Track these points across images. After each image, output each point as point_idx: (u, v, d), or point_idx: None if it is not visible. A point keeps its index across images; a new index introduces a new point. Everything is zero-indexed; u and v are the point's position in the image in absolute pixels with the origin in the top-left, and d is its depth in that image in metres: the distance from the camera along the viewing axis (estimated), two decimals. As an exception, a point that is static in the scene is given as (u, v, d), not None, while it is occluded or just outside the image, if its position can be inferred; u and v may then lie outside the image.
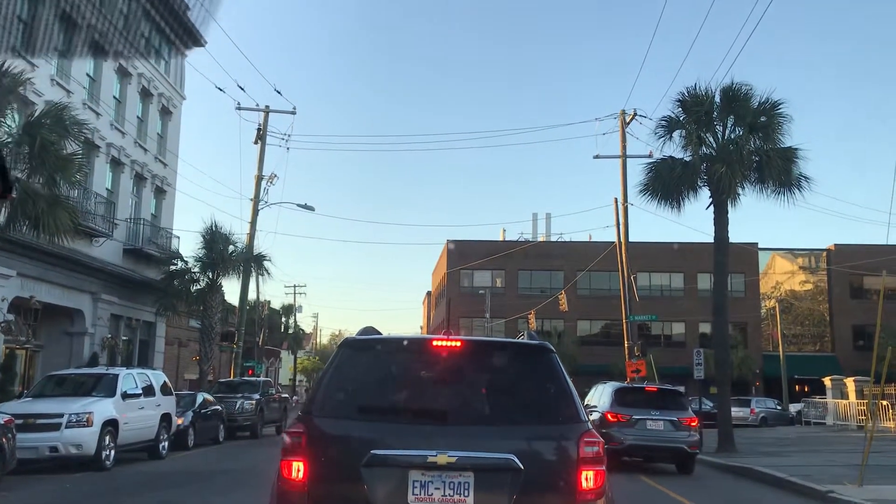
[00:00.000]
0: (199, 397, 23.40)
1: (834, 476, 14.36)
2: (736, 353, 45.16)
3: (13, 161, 17.00)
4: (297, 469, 4.87)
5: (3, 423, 12.64)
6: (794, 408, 45.78)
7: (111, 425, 15.90)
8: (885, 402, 31.76)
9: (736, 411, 31.51)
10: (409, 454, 4.76)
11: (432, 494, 4.73)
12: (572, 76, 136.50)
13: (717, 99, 22.70)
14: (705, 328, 52.34)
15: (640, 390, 19.26)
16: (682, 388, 19.94)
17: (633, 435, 16.86)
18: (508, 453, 4.75)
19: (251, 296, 41.21)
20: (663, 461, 18.03)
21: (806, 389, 50.23)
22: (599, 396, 18.68)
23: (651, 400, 17.85)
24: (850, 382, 36.95)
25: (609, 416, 17.10)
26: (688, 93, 22.88)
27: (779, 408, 45.28)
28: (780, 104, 22.41)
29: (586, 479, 4.84)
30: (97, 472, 15.02)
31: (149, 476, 15.06)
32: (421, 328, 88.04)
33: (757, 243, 57.42)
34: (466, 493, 4.73)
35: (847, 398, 36.53)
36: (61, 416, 14.99)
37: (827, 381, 39.98)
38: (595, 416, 17.11)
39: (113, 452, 15.92)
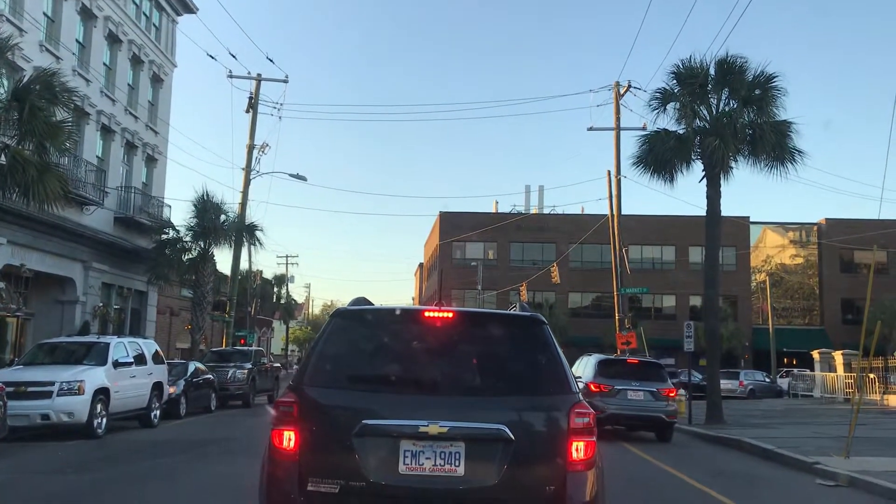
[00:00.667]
0: (191, 366, 23.43)
1: (820, 448, 14.52)
2: (726, 325, 45.43)
3: (2, 127, 16.85)
4: (289, 438, 4.88)
5: (-6, 390, 12.65)
6: (782, 381, 46.17)
7: (102, 393, 15.92)
8: (872, 376, 32.10)
9: (725, 383, 31.81)
10: (400, 424, 4.77)
11: (423, 464, 4.75)
12: (567, 47, 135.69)
13: (712, 71, 22.55)
14: (696, 301, 52.74)
15: (622, 362, 20.11)
16: (671, 361, 20.35)
17: (615, 404, 17.56)
18: (499, 424, 4.77)
19: (243, 265, 41.17)
20: (643, 429, 18.65)
21: (794, 362, 50.72)
22: (584, 368, 19.24)
23: (632, 371, 18.69)
24: (838, 356, 37.27)
25: (592, 387, 17.70)
26: (682, 65, 22.74)
27: (767, 380, 45.68)
28: (774, 77, 22.31)
29: (576, 449, 4.87)
30: (89, 440, 15.08)
31: (141, 444, 15.11)
32: (413, 300, 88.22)
33: (748, 217, 57.58)
34: (457, 463, 4.75)
35: (835, 371, 36.85)
36: (53, 384, 15.00)
37: (815, 354, 40.31)
38: (580, 386, 17.45)
39: (104, 420, 15.96)
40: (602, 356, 20.49)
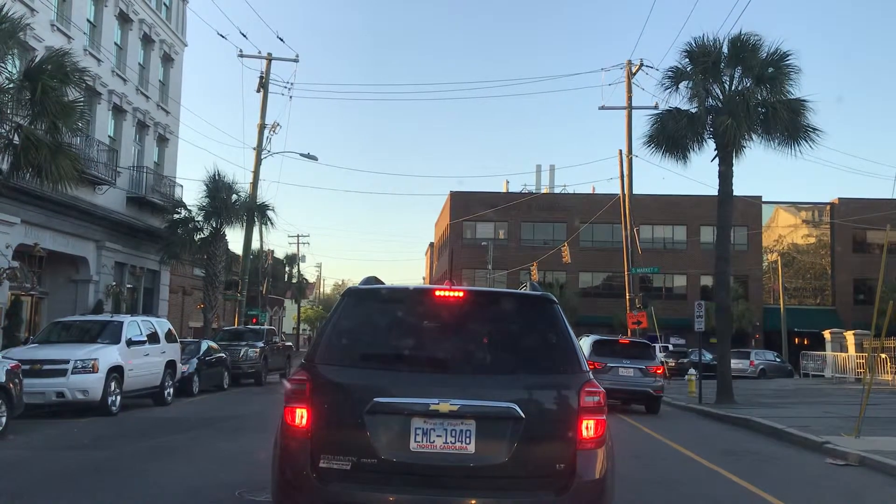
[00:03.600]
0: (204, 345, 23.59)
1: (831, 427, 14.52)
2: (737, 305, 45.28)
3: (14, 107, 16.89)
4: (301, 416, 4.93)
5: (10, 368, 12.78)
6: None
7: (116, 371, 16.09)
8: (883, 356, 31.98)
9: (735, 363, 31.79)
10: (411, 402, 4.80)
11: (434, 442, 4.78)
12: (579, 26, 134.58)
13: (725, 49, 22.37)
14: (707, 281, 52.51)
15: (614, 342, 21.59)
16: (682, 340, 20.72)
17: (607, 380, 18.34)
18: (510, 402, 4.80)
19: (255, 245, 41.31)
20: (633, 402, 20.17)
21: (805, 342, 50.53)
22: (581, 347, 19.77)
23: (624, 350, 20.45)
24: (849, 336, 37.16)
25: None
26: (695, 43, 22.57)
27: (778, 360, 45.58)
28: (788, 55, 22.12)
29: (587, 428, 4.90)
30: (103, 418, 15.26)
31: (155, 421, 15.27)
32: (423, 279, 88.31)
33: (761, 196, 57.19)
34: (468, 441, 4.79)
35: (846, 351, 36.75)
36: (67, 362, 15.16)
37: (827, 334, 40.18)
38: None
39: (119, 398, 16.14)
40: (597, 336, 22.06)
